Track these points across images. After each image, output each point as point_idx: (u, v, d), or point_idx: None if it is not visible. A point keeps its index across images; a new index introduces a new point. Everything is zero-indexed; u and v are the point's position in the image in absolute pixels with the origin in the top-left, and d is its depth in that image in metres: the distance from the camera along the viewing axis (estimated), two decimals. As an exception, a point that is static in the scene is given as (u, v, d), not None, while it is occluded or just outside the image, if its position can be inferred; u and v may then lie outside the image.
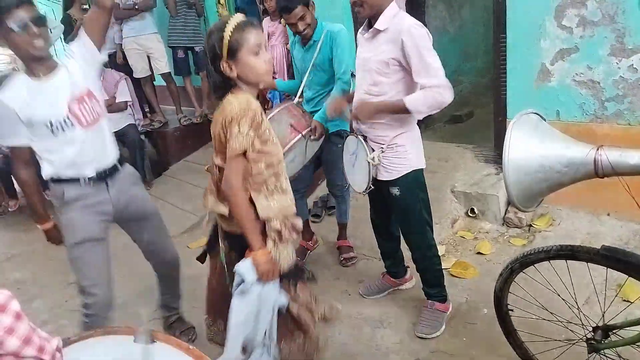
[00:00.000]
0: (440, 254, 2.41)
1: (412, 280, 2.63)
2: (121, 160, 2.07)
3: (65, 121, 1.84)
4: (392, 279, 2.61)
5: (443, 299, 2.33)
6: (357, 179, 2.23)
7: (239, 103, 1.48)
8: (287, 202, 1.62)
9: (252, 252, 1.53)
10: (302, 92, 2.69)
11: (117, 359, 1.10)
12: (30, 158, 1.93)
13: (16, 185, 4.81)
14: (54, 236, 2.10)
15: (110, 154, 2.01)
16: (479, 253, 2.86)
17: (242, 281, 1.51)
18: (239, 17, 1.50)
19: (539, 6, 2.79)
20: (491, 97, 3.45)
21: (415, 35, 1.87)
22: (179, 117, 5.38)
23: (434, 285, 2.32)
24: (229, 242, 1.68)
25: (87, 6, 5.29)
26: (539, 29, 2.83)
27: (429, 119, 4.43)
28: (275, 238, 1.56)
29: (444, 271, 2.37)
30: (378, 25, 1.96)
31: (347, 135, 2.27)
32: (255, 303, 1.53)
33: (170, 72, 5.18)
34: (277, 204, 1.57)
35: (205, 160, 5.07)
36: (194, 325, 2.54)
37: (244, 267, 1.51)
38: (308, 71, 2.63)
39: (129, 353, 1.09)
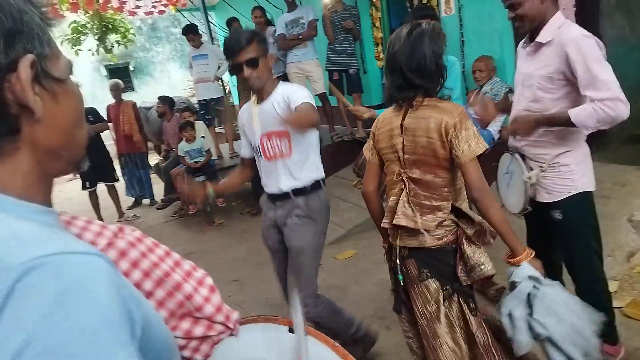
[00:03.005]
0: (612, 290, 2.13)
1: (575, 316, 2.35)
2: (297, 192, 2.20)
3: (258, 148, 2.21)
4: (550, 312, 2.37)
5: (613, 340, 2.04)
6: (512, 200, 2.11)
7: (453, 106, 1.55)
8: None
9: (523, 254, 1.54)
10: None
11: (272, 344, 1.22)
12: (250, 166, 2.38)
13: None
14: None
15: (282, 185, 2.20)
16: (662, 294, 2.44)
17: (533, 286, 1.45)
18: None
19: None
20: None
21: (582, 45, 1.72)
22: (331, 135, 5.70)
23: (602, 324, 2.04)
24: (417, 259, 1.64)
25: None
26: None
27: (602, 138, 3.94)
28: (477, 241, 1.58)
29: (615, 310, 2.09)
30: (540, 38, 1.85)
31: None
32: (557, 302, 1.45)
33: (325, 93, 5.54)
34: (466, 209, 1.62)
35: (353, 176, 5.26)
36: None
37: (530, 270, 1.48)
38: None
39: (284, 341, 1.21)
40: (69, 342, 0.42)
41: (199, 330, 0.83)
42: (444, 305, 1.58)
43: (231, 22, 6.07)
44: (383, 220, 1.70)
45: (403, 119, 1.61)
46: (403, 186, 1.63)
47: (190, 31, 5.88)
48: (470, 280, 1.60)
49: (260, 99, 2.17)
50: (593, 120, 1.72)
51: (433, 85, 1.58)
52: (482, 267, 1.56)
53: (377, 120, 1.75)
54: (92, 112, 5.65)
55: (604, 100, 1.68)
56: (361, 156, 2.48)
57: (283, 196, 2.22)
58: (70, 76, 0.62)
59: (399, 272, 1.68)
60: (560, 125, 1.83)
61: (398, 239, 1.66)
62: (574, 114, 1.75)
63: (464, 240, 1.57)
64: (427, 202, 1.60)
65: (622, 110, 1.68)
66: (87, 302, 0.45)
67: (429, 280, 1.60)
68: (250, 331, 1.23)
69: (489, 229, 1.57)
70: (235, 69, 2.09)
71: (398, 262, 1.67)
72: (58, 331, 0.42)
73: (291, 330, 1.23)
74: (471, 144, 1.50)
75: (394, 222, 1.63)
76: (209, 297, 0.84)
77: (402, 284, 1.69)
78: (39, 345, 0.41)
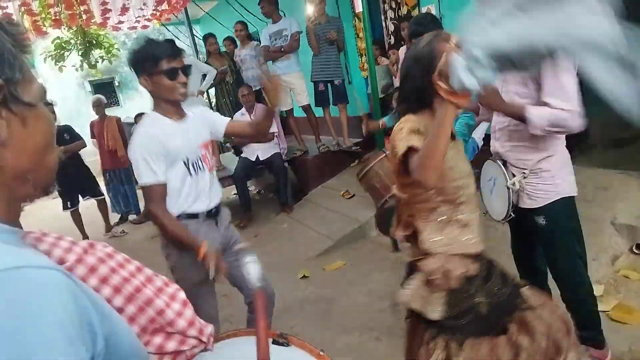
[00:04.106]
0: (597, 294, 2.14)
1: (562, 321, 2.36)
2: (220, 203, 2.16)
3: (198, 161, 2.02)
4: (537, 317, 2.38)
5: (600, 344, 2.04)
6: (496, 207, 2.12)
7: (405, 119, 1.44)
8: (462, 238, 1.44)
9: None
10: None
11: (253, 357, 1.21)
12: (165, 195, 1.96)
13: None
14: (218, 262, 1.92)
15: (218, 194, 2.14)
16: (647, 296, 2.46)
17: None
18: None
19: None
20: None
21: None
22: (318, 146, 5.71)
23: (588, 328, 2.05)
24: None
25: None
26: None
27: (584, 142, 3.99)
28: (424, 279, 1.41)
29: (601, 314, 2.09)
30: None
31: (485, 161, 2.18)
32: None
33: (309, 105, 5.56)
34: (448, 239, 1.43)
35: (340, 186, 5.28)
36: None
37: None
38: None
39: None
40: (23, 356, 0.42)
41: (171, 345, 0.84)
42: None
43: (207, 37, 6.11)
44: None
45: None
46: None
47: None
48: (441, 314, 1.40)
49: (179, 115, 2.02)
50: (545, 122, 1.76)
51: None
52: (427, 309, 1.39)
53: None
54: (68, 130, 5.48)
55: (564, 110, 1.73)
56: (366, 166, 2.43)
57: (218, 209, 2.13)
58: (44, 100, 0.63)
59: None
60: (513, 114, 1.86)
61: None
62: (531, 110, 1.78)
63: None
64: None
65: (577, 123, 1.74)
66: (42, 315, 0.45)
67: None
68: (231, 345, 1.21)
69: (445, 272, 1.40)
70: (172, 73, 1.91)
71: None
72: (11, 344, 0.42)
73: (274, 342, 1.21)
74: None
75: None
76: (182, 311, 0.84)
77: None
78: None
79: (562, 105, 1.73)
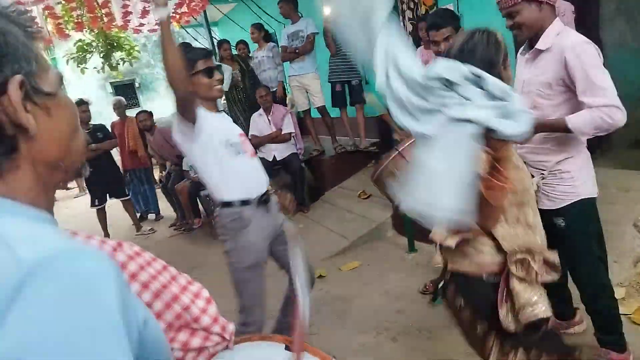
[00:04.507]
0: (619, 296, 2.11)
1: (582, 324, 2.32)
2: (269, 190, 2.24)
3: (239, 144, 2.13)
4: (557, 320, 2.34)
5: (621, 348, 2.01)
6: (514, 208, 2.09)
7: None
8: (535, 239, 1.41)
9: None
10: None
11: None
12: None
13: (200, 206, 5.61)
14: None
15: (265, 182, 2.21)
16: (671, 300, 2.40)
17: None
18: None
19: None
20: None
21: (580, 52, 1.74)
22: (334, 146, 5.71)
23: (609, 331, 2.02)
24: (455, 284, 1.49)
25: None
26: None
27: (606, 143, 3.91)
28: (524, 276, 1.35)
29: (623, 317, 2.06)
30: (540, 45, 1.86)
31: None
32: None
33: (324, 106, 5.58)
34: (521, 236, 1.39)
35: (357, 186, 5.28)
36: None
37: None
38: None
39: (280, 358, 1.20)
40: (72, 339, 0.43)
41: (196, 342, 0.86)
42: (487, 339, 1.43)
43: (222, 43, 6.18)
44: None
45: None
46: None
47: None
48: (517, 326, 1.36)
49: (216, 109, 2.22)
50: (589, 127, 1.74)
51: None
52: (533, 307, 1.34)
53: None
54: (101, 129, 5.66)
55: (601, 107, 1.70)
56: (379, 168, 2.42)
57: (268, 196, 2.19)
58: (61, 88, 0.63)
59: (441, 295, 1.57)
60: (558, 131, 1.83)
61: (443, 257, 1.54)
62: (572, 120, 1.76)
63: (512, 274, 1.35)
64: None
65: (619, 117, 1.70)
66: (94, 301, 0.46)
67: (464, 310, 1.46)
68: (245, 350, 1.22)
69: (542, 259, 1.38)
70: (209, 71, 2.08)
71: (442, 285, 1.55)
72: (64, 326, 0.43)
73: (287, 348, 1.22)
74: None
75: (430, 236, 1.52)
76: (206, 308, 0.87)
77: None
78: (42, 340, 0.42)
79: (599, 101, 1.70)
